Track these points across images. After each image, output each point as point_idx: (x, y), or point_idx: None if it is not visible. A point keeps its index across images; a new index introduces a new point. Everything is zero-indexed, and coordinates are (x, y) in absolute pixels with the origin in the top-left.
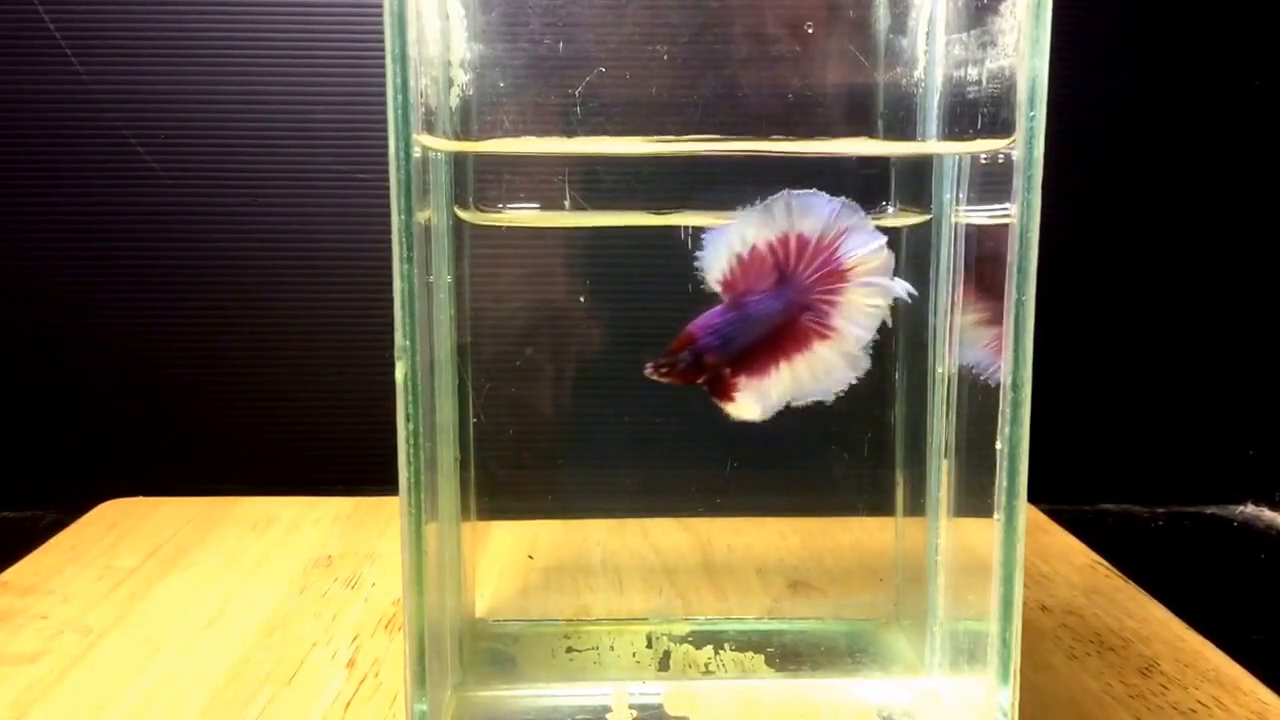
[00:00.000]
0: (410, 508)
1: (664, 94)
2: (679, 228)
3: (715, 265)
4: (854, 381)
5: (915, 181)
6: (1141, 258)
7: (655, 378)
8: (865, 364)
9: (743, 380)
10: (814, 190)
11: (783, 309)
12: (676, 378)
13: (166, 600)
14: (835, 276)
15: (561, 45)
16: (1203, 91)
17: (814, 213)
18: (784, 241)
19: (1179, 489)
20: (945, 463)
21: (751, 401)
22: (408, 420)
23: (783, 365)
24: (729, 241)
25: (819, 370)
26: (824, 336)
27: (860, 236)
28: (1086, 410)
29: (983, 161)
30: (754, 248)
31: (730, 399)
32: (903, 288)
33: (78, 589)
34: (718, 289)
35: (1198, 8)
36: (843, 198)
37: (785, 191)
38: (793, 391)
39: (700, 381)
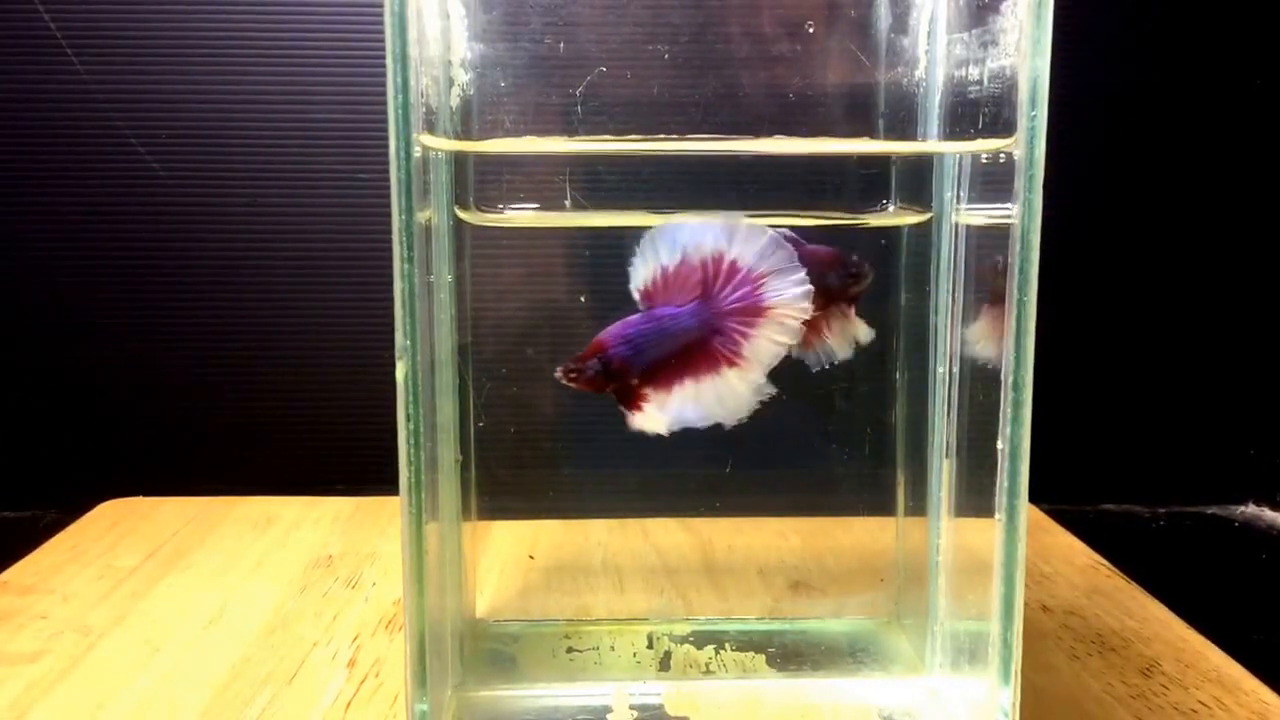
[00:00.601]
0: (411, 507)
1: (665, 94)
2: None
3: (641, 273)
4: (754, 408)
5: (916, 181)
6: (1141, 257)
7: (565, 382)
8: (769, 390)
9: (649, 393)
10: (762, 227)
11: (697, 328)
12: (584, 384)
13: (167, 600)
14: (753, 310)
15: (562, 45)
16: (1203, 91)
17: (754, 244)
18: (717, 261)
19: (1180, 489)
20: (946, 463)
21: (656, 415)
22: (408, 420)
23: (688, 383)
24: (658, 251)
25: (725, 394)
26: (732, 363)
27: (788, 280)
28: (1087, 410)
29: (984, 161)
30: (683, 261)
31: (637, 409)
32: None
33: (78, 589)
34: (636, 296)
35: (1198, 8)
36: (783, 239)
37: (738, 215)
38: (695, 412)
39: (608, 390)
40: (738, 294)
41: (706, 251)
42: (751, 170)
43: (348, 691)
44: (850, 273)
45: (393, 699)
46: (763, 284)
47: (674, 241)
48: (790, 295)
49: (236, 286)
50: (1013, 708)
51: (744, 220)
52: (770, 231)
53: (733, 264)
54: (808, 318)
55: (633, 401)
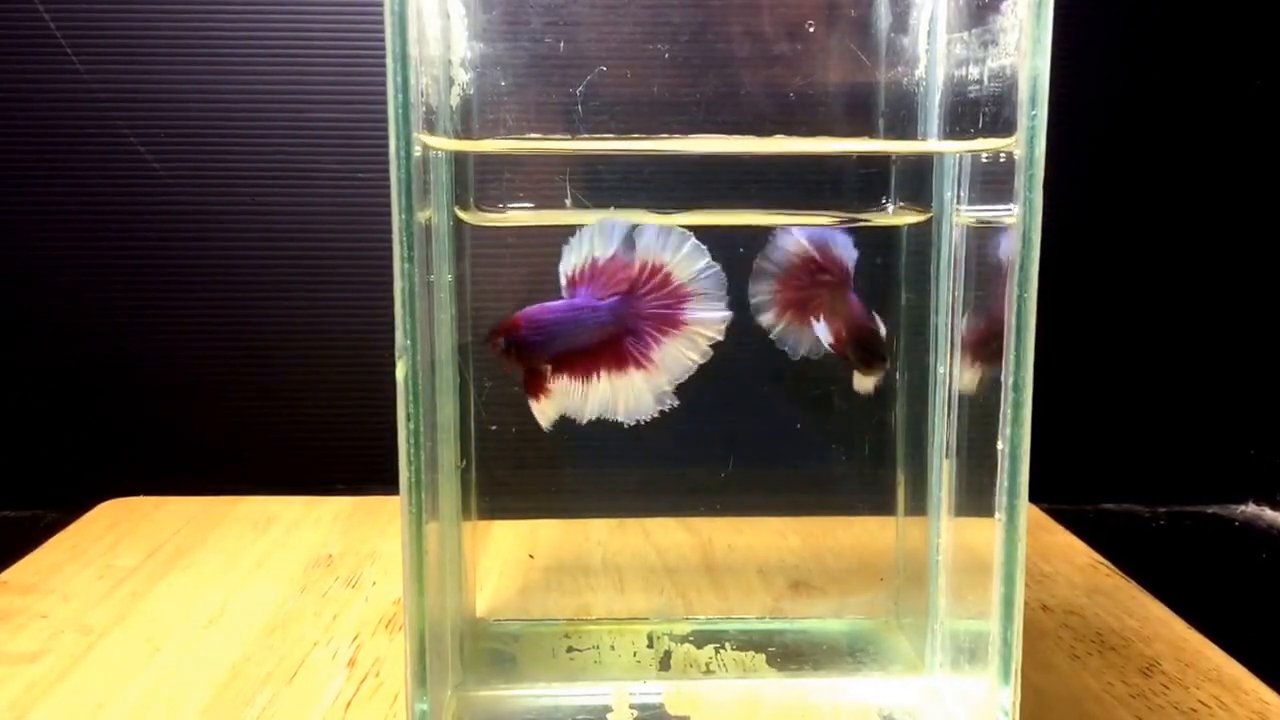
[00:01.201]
0: (411, 507)
1: (665, 93)
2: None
3: (571, 260)
4: (656, 415)
5: (916, 180)
6: (1141, 258)
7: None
8: (672, 402)
9: (560, 382)
10: (704, 249)
11: (612, 323)
12: (500, 356)
13: (167, 600)
14: (670, 322)
15: (562, 44)
16: (1203, 91)
17: (692, 263)
18: (653, 271)
19: (1180, 489)
20: (946, 462)
21: (556, 406)
22: (408, 419)
23: (595, 378)
24: (594, 242)
25: (628, 395)
26: (640, 365)
27: (712, 306)
28: (1087, 410)
29: (984, 161)
30: (616, 257)
31: (537, 397)
32: None
33: (78, 588)
34: (562, 281)
35: (1198, 8)
36: (719, 268)
37: (689, 234)
38: (600, 408)
39: (517, 367)
40: (660, 301)
41: (644, 255)
42: (752, 169)
43: (348, 691)
44: (859, 355)
45: (393, 698)
46: (687, 300)
47: (612, 236)
48: (709, 319)
49: (236, 286)
50: (1013, 707)
51: (691, 238)
52: (710, 260)
53: (667, 274)
54: (720, 339)
55: (535, 388)
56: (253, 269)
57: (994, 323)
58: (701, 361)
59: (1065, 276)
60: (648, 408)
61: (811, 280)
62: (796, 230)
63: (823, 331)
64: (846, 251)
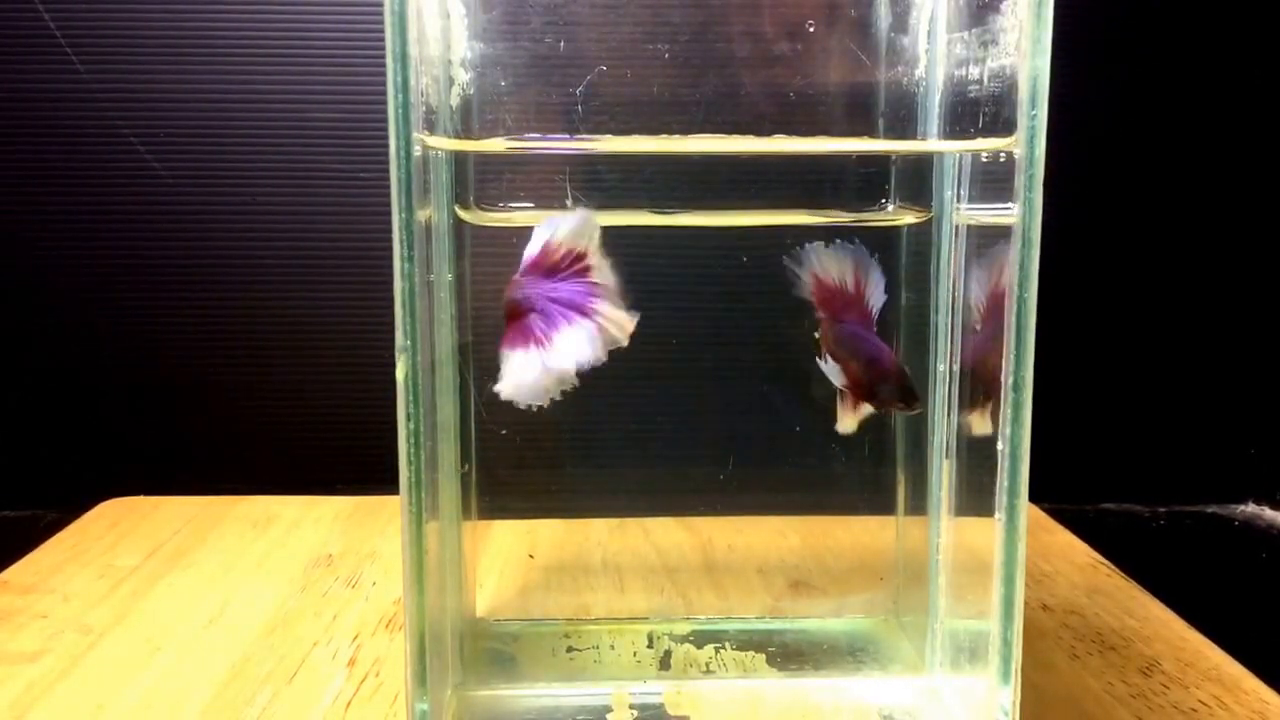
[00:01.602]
0: (411, 507)
1: (665, 93)
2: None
3: (534, 241)
4: (557, 398)
5: (916, 180)
6: (1141, 258)
7: None
8: (571, 380)
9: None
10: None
11: (527, 301)
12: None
13: (167, 599)
14: (575, 306)
15: (562, 44)
16: (1203, 91)
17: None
18: (577, 254)
19: (1180, 488)
20: (947, 462)
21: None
22: (408, 419)
23: (509, 352)
24: (550, 229)
25: (521, 372)
26: (540, 343)
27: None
28: (1087, 410)
29: (984, 160)
30: (553, 244)
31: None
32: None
33: (78, 588)
34: (525, 259)
35: (1198, 7)
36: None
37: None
38: (509, 388)
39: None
40: (569, 284)
41: (571, 244)
42: (752, 169)
43: (348, 691)
44: (882, 395)
45: (393, 698)
46: (597, 291)
47: (554, 227)
48: (614, 314)
49: (236, 285)
50: (1013, 707)
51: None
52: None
53: (586, 266)
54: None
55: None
56: (253, 269)
57: (994, 322)
58: (602, 354)
59: (1065, 276)
60: (544, 389)
61: (832, 302)
62: (839, 251)
63: (833, 372)
64: (875, 293)
